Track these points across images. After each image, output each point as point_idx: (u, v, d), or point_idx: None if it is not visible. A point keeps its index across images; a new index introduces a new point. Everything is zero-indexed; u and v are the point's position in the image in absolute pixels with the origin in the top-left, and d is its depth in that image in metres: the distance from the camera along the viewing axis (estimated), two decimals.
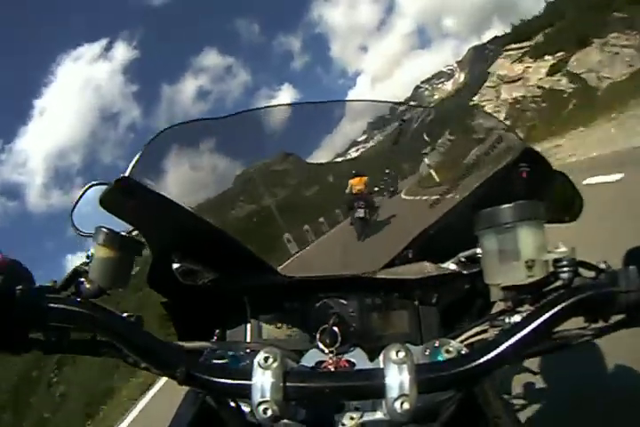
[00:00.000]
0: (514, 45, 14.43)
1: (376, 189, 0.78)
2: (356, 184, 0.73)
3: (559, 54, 12.52)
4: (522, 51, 13.93)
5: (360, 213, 0.75)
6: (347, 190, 0.77)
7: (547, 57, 12.91)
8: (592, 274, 0.42)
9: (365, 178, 0.74)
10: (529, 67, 13.24)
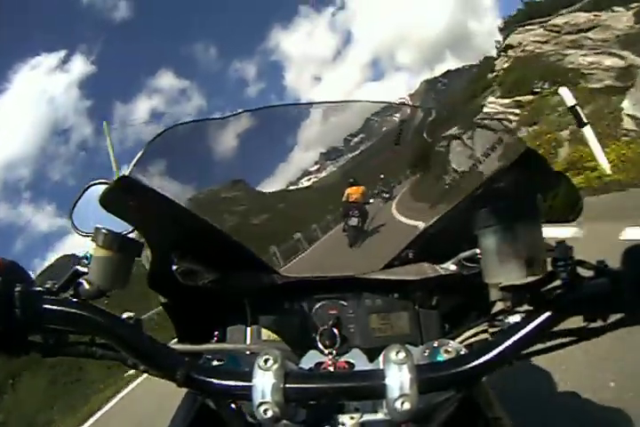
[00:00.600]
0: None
1: (371, 200, 0.80)
2: (353, 193, 0.75)
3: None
4: None
5: (354, 221, 0.77)
6: (343, 198, 0.78)
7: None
8: (591, 273, 0.43)
9: (363, 188, 0.76)
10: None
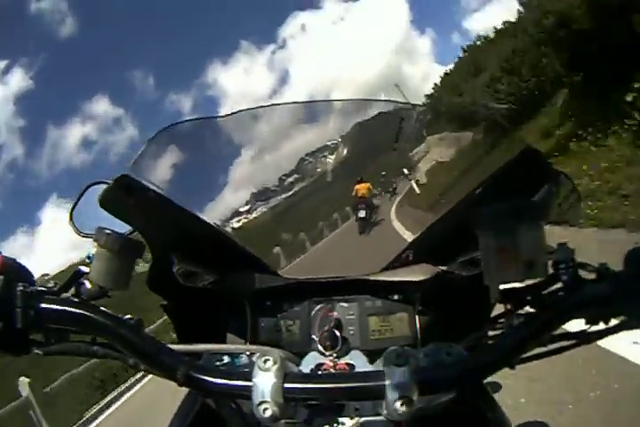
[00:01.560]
0: None
1: (377, 195, 0.88)
2: (361, 189, 0.83)
3: None
4: None
5: (362, 213, 0.85)
6: (352, 193, 0.86)
7: None
8: (592, 276, 0.42)
9: (369, 184, 0.84)
10: None
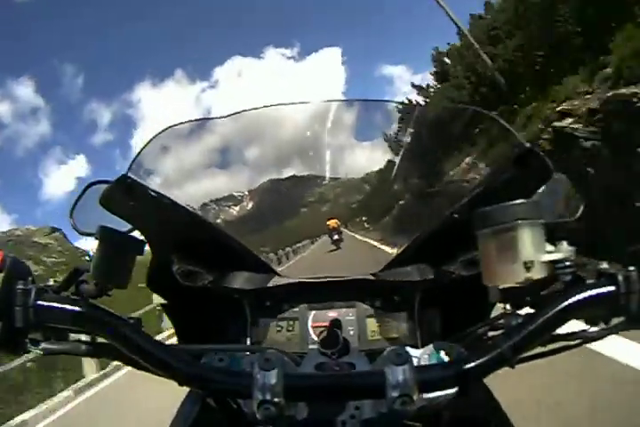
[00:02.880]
0: None
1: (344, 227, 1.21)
2: (332, 223, 1.18)
3: None
4: None
5: (335, 236, 1.21)
6: (327, 226, 1.20)
7: None
8: (592, 275, 0.42)
9: (336, 220, 1.18)
10: None
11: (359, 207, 1.27)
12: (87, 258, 0.51)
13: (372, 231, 1.27)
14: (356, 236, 1.26)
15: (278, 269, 0.83)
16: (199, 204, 0.84)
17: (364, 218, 1.29)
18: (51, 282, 0.49)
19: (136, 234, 0.60)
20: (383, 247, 1.15)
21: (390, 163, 0.94)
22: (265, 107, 0.79)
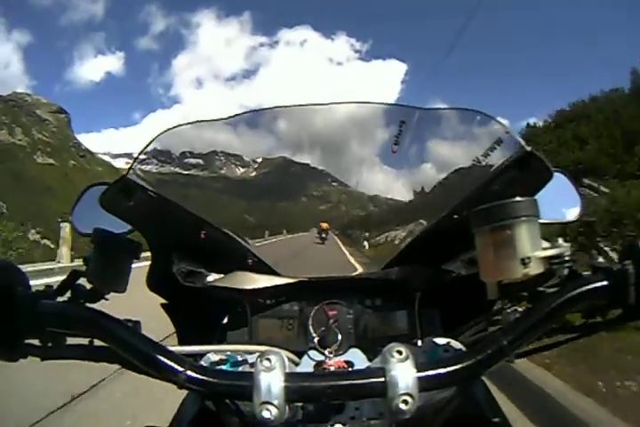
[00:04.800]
0: None
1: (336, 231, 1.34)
2: (324, 226, 1.32)
3: None
4: None
5: (324, 235, 1.34)
6: (319, 227, 1.33)
7: None
8: (588, 270, 0.43)
9: (327, 224, 1.32)
10: None
11: (355, 221, 1.37)
12: (84, 261, 0.51)
13: (353, 245, 1.41)
14: (338, 242, 1.41)
15: (278, 269, 0.83)
16: (198, 203, 0.84)
17: (350, 231, 1.43)
18: (46, 287, 0.48)
19: (134, 236, 0.61)
20: (352, 261, 1.33)
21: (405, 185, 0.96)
22: (265, 109, 0.79)
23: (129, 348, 0.44)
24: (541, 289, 0.43)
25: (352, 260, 1.34)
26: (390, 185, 1.08)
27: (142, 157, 0.62)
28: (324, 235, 1.34)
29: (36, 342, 0.47)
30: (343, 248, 1.41)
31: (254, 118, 0.82)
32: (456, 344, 0.55)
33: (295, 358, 0.68)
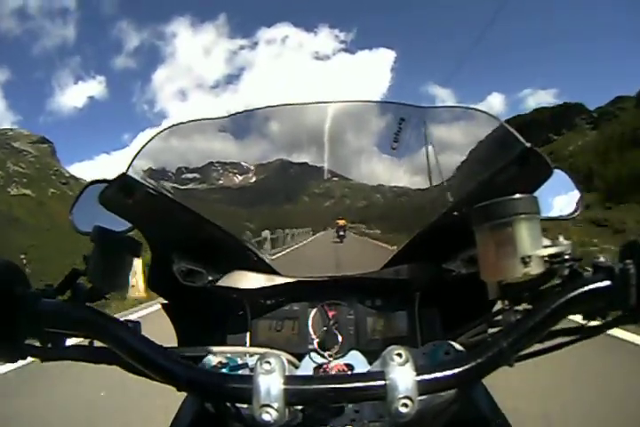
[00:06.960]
0: None
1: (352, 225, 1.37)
2: (340, 222, 1.34)
3: None
4: None
5: (341, 232, 1.35)
6: (336, 223, 1.36)
7: None
8: (589, 270, 0.42)
9: (344, 220, 1.34)
10: None
11: (365, 212, 1.37)
12: (84, 260, 0.50)
13: (371, 232, 1.40)
14: (355, 235, 1.41)
15: (278, 269, 0.83)
16: (199, 202, 0.84)
17: (364, 223, 1.42)
18: (46, 286, 0.47)
19: (134, 234, 0.60)
20: (380, 244, 1.27)
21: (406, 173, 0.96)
22: (265, 108, 0.78)
23: (128, 349, 0.43)
24: (542, 289, 0.43)
25: (380, 244, 1.29)
26: (389, 182, 1.09)
27: (143, 154, 0.61)
28: (341, 232, 1.31)
29: (35, 342, 0.46)
30: (362, 237, 1.38)
31: (249, 122, 0.82)
32: (456, 346, 0.55)
33: (295, 361, 0.68)
